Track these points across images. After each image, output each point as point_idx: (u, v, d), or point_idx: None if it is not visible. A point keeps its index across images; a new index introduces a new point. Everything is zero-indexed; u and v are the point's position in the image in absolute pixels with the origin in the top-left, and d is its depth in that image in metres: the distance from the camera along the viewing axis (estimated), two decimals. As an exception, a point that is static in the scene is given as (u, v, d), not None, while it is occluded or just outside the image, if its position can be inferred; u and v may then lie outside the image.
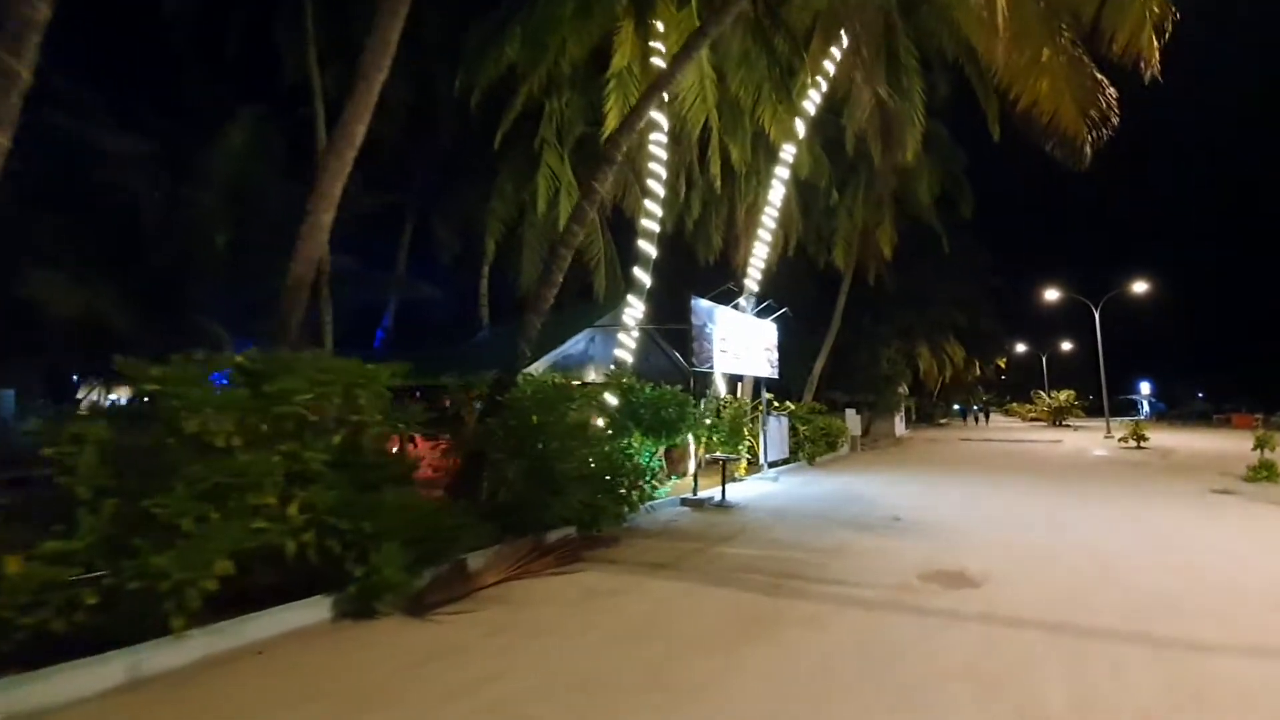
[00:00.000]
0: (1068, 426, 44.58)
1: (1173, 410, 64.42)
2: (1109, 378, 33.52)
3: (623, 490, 8.48)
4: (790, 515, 9.89)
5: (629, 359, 12.37)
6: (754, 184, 16.19)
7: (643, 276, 12.40)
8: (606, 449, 8.40)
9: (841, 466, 17.75)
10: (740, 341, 13.05)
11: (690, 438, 15.15)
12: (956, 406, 61.27)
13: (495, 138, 14.15)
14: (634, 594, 5.97)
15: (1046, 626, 4.99)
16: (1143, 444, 23.53)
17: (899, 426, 35.62)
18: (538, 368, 13.63)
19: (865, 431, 33.88)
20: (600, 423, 9.24)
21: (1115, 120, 10.60)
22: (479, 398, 8.61)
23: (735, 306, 14.87)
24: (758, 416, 15.69)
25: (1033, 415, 54.13)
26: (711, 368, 11.59)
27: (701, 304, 11.38)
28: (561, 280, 8.94)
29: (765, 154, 15.61)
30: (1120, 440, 24.57)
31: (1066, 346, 60.94)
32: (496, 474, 7.63)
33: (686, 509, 10.54)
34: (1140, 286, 32.99)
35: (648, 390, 9.63)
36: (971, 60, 15.05)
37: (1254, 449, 13.78)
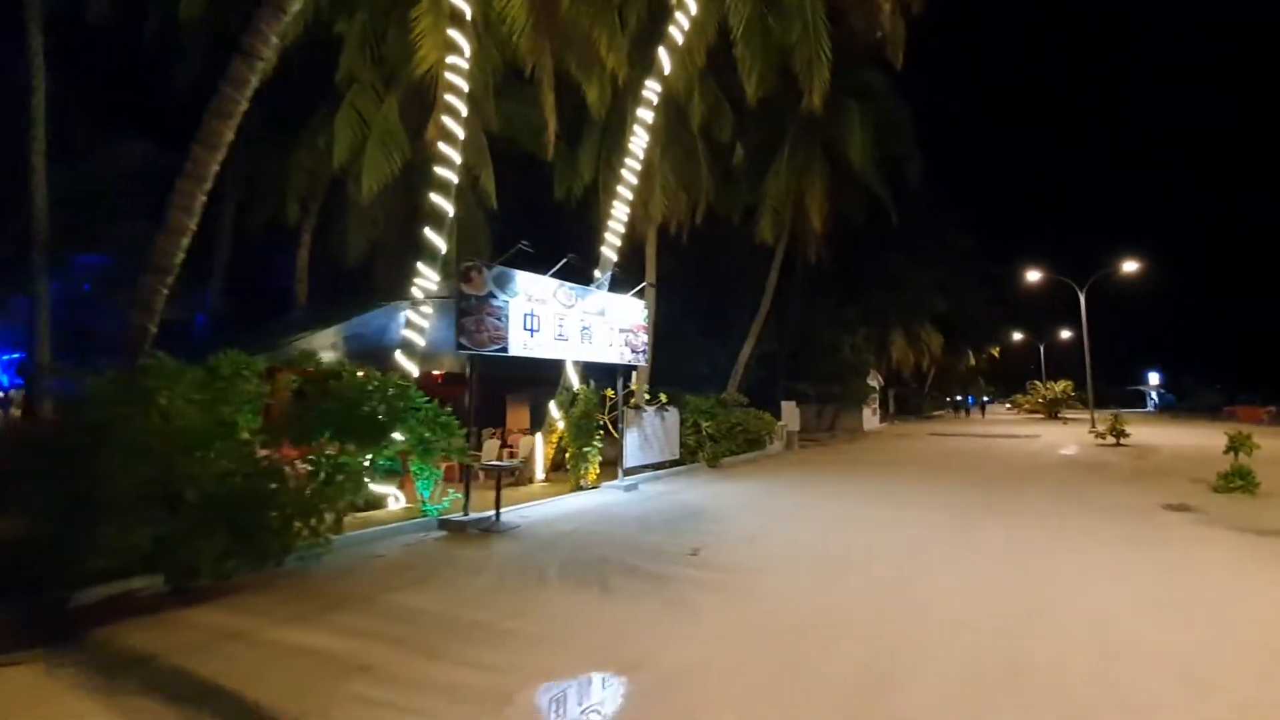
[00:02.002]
0: (1063, 419, 41.41)
1: (1182, 402, 60.75)
2: (1116, 368, 30.64)
3: (276, 522, 5.99)
4: (564, 547, 7.32)
5: (420, 341, 9.84)
6: (620, 133, 13.45)
7: (435, 239, 9.85)
8: (230, 465, 5.83)
9: (749, 471, 15.11)
10: (573, 320, 10.44)
11: (536, 438, 12.71)
12: (958, 398, 58.12)
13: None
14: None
15: None
16: (1121, 441, 20.63)
17: (868, 420, 32.77)
18: (327, 352, 11.14)
19: (831, 426, 31.24)
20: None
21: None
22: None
23: (595, 282, 12.25)
24: (640, 412, 13.10)
25: (1028, 407, 50.87)
26: (504, 350, 9.02)
27: (488, 270, 8.80)
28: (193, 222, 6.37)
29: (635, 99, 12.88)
30: (1098, 436, 21.66)
31: (1066, 335, 57.37)
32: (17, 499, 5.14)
33: (441, 533, 8.01)
34: (1130, 266, 29.74)
35: (361, 379, 7.02)
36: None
37: (1226, 451, 10.99)
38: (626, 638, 4.60)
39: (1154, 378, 72.21)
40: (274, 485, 6.22)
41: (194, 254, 7.63)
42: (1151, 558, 6.77)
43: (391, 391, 6.99)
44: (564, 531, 8.10)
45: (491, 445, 13.59)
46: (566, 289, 10.37)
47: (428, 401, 7.70)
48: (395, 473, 9.37)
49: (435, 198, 9.90)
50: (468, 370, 9.03)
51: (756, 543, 7.66)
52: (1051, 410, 44.89)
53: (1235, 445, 10.80)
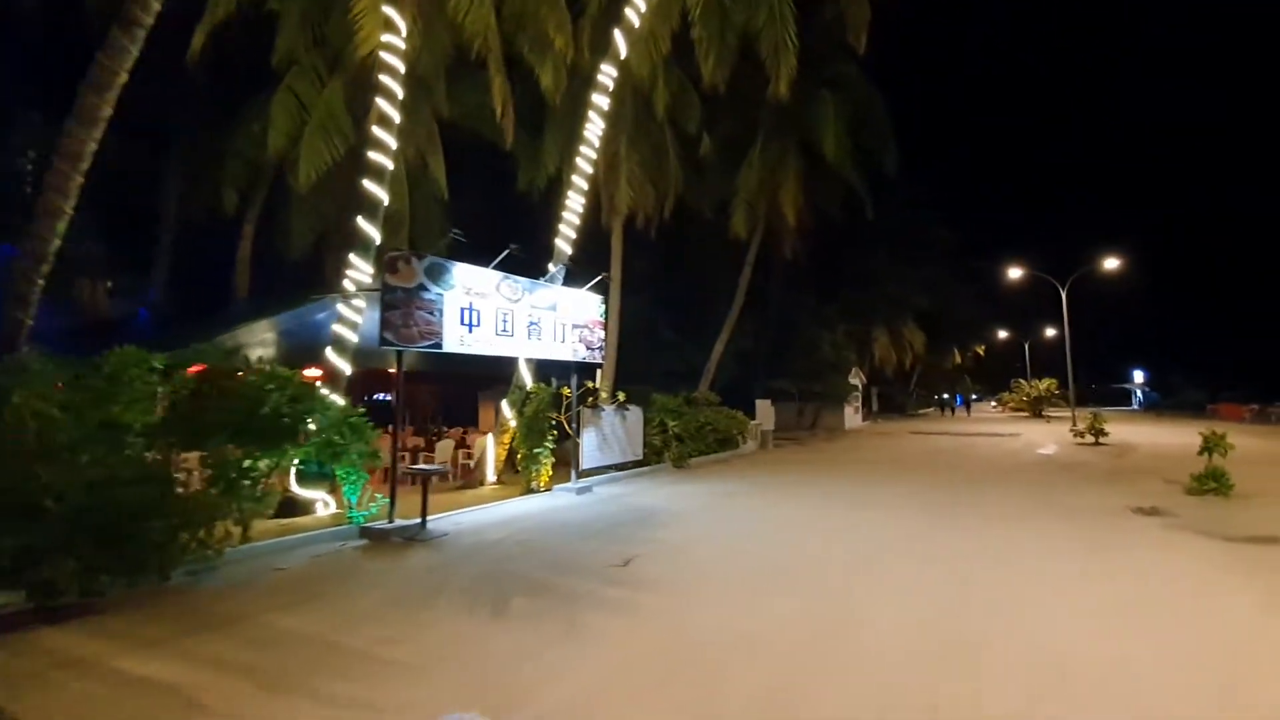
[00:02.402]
0: (1046, 417, 41.21)
1: (1167, 400, 60.78)
2: (1102, 365, 30.36)
3: (159, 534, 5.43)
4: (484, 559, 6.79)
5: (353, 337, 9.28)
6: (577, 120, 12.86)
7: (368, 228, 9.29)
8: (103, 472, 5.26)
9: (716, 472, 14.62)
10: (520, 315, 9.89)
11: (488, 439, 12.15)
12: (944, 396, 57.84)
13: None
14: None
15: None
16: (1100, 440, 20.30)
17: (850, 418, 32.39)
18: (260, 348, 10.57)
19: (813, 424, 30.81)
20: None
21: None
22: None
23: (548, 277, 11.71)
24: (599, 411, 12.59)
25: (1013, 405, 50.71)
26: (438, 346, 8.47)
27: (419, 260, 8.23)
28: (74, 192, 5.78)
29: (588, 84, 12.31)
30: (1077, 435, 21.33)
31: (1051, 333, 57.23)
32: None
33: (360, 542, 7.47)
34: (1111, 264, 29.45)
35: (261, 377, 6.42)
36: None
37: (1200, 452, 10.59)
38: (512, 668, 4.09)
39: (1139, 376, 72.33)
40: (160, 493, 5.68)
41: (136, 246, 7.11)
42: (1112, 568, 6.32)
43: (295, 391, 6.41)
44: (492, 540, 7.57)
45: (446, 446, 13.04)
46: (511, 282, 9.82)
47: (384, 400, 7.14)
48: (326, 477, 8.85)
49: (369, 184, 9.33)
50: (397, 366, 8.43)
51: (696, 550, 7.17)
52: (1036, 408, 44.72)
53: (1209, 446, 10.40)
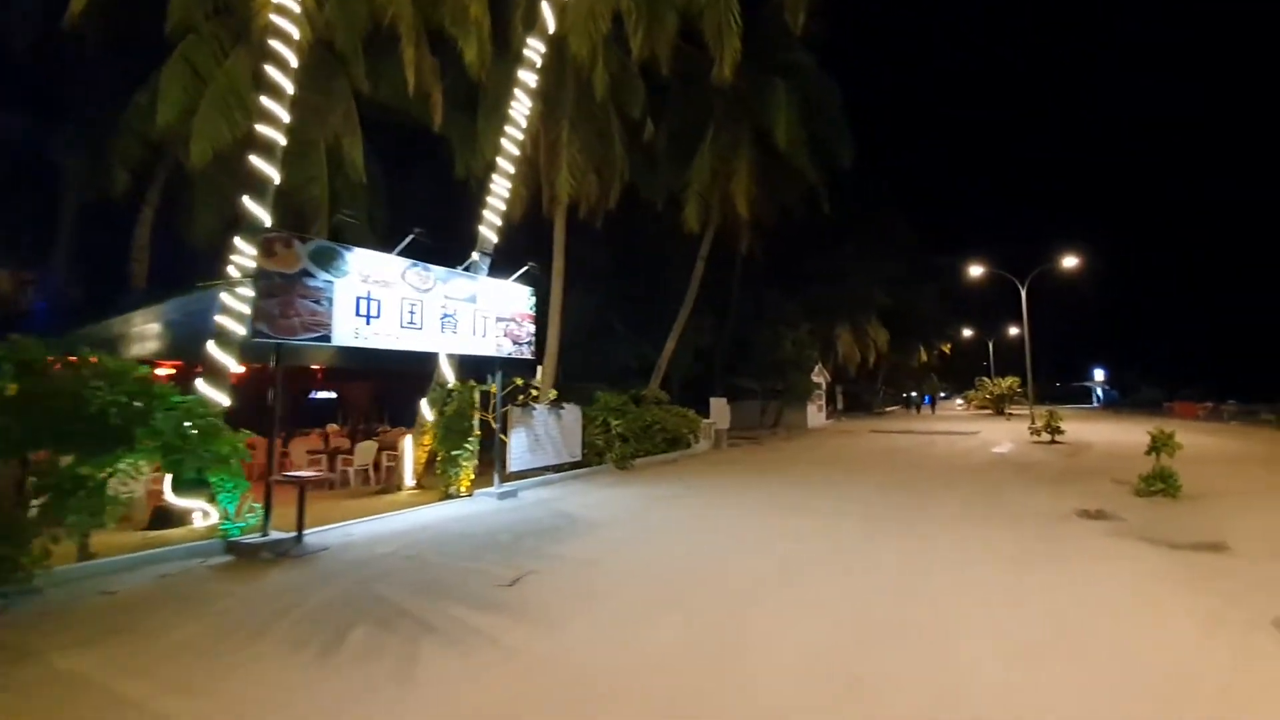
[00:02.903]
0: (1008, 415, 41.42)
1: (1125, 398, 61.96)
2: (1065, 364, 30.41)
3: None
4: (350, 580, 6.00)
5: (240, 329, 8.38)
6: (503, 99, 12.03)
7: (256, 209, 8.40)
8: None
9: (659, 473, 13.94)
10: (431, 306, 9.07)
11: (406, 441, 11.32)
12: (912, 394, 58.03)
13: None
14: None
15: None
16: (1056, 438, 20.12)
17: (813, 417, 32.02)
18: (148, 342, 9.62)
19: (776, 422, 30.34)
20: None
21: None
22: None
23: (468, 266, 10.90)
24: (529, 410, 11.82)
25: (977, 403, 51.05)
26: (326, 339, 7.65)
27: (302, 243, 7.37)
28: None
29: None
30: (1034, 433, 21.15)
31: (1015, 332, 57.80)
32: None
33: (225, 558, 6.63)
34: (1070, 262, 29.47)
35: (86, 369, 5.52)
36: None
37: (1149, 452, 10.21)
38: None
39: (1099, 374, 73.67)
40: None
41: (32, 233, 6.15)
42: (1048, 583, 5.76)
43: (130, 388, 5.55)
44: (376, 555, 6.78)
45: (367, 447, 12.19)
46: (421, 269, 9.00)
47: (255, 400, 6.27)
48: (205, 485, 7.97)
49: (256, 160, 8.44)
50: (274, 362, 7.56)
51: (601, 565, 6.47)
52: (999, 406, 45.00)
53: (1157, 445, 10.02)
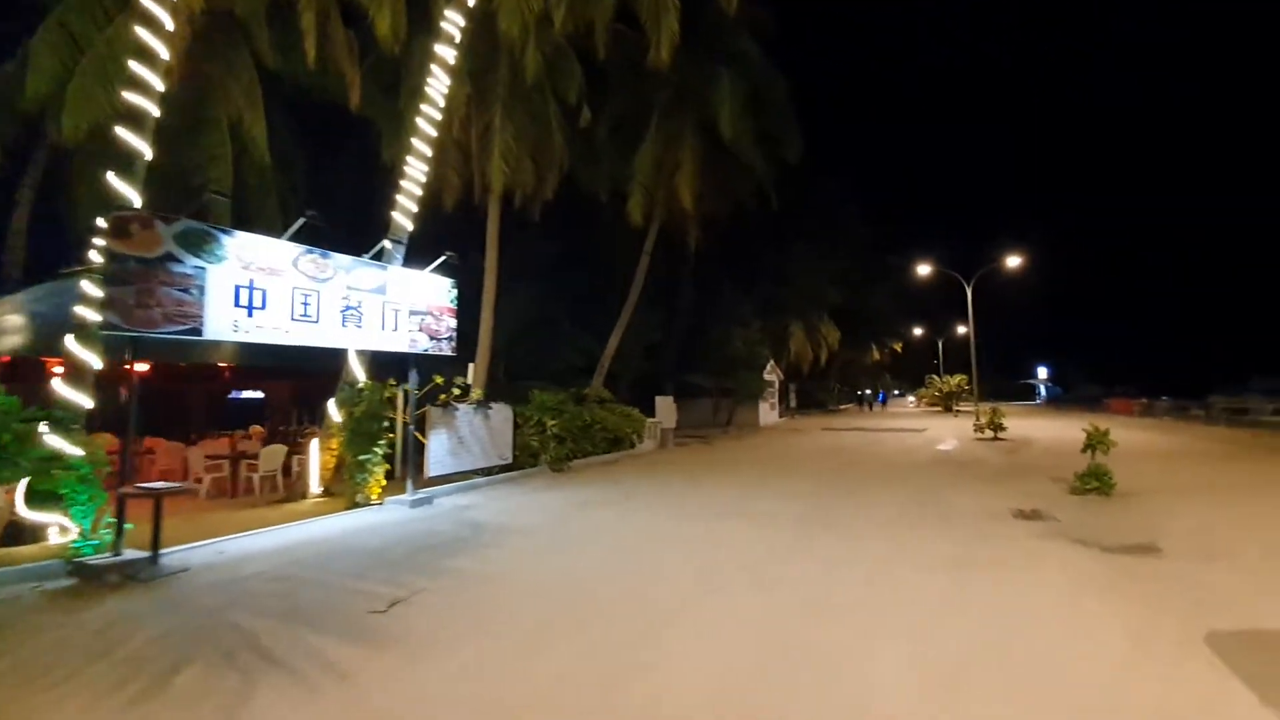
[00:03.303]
0: (955, 412, 42.19)
1: (1067, 395, 64.07)
2: (1011, 361, 30.85)
3: None
4: (200, 607, 5.23)
5: (99, 318, 7.44)
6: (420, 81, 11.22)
7: (120, 185, 7.48)
8: None
9: (596, 476, 13.32)
10: (330, 298, 8.26)
11: (312, 445, 10.43)
12: (866, 392, 58.77)
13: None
14: None
15: None
16: (999, 435, 20.28)
17: (766, 415, 31.88)
18: (13, 336, 8.56)
19: (728, 421, 30.05)
20: None
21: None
22: None
23: (380, 254, 10.08)
24: (451, 410, 11.07)
25: (927, 401, 51.97)
26: (195, 333, 6.83)
27: (165, 224, 6.53)
28: None
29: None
30: (977, 430, 21.30)
31: (963, 330, 59.12)
32: None
33: (67, 581, 5.77)
34: (1014, 261, 30.00)
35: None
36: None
37: (1084, 450, 10.08)
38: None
39: (1043, 371, 76.13)
40: None
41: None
42: (975, 593, 5.37)
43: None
44: (243, 576, 6.00)
45: (273, 452, 11.23)
46: (317, 256, 8.18)
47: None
48: (61, 497, 7.04)
49: (122, 131, 7.51)
50: (128, 359, 6.69)
51: (502, 582, 5.84)
52: (948, 403, 45.84)
53: (1092, 443, 9.89)
